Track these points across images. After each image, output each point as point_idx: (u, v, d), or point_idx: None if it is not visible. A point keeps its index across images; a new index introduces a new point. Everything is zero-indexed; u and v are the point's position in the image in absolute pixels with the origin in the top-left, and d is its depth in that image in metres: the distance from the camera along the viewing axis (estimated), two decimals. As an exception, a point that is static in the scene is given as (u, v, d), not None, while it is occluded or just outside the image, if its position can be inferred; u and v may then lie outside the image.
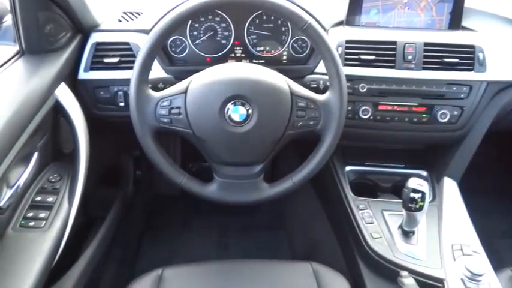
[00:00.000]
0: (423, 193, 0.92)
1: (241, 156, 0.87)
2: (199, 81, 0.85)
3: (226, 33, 1.10)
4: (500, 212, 1.66)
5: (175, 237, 1.60)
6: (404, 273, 0.87)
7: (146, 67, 0.84)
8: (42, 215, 0.88)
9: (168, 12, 0.87)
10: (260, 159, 0.89)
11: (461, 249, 0.96)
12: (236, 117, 0.83)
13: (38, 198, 0.92)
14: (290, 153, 1.42)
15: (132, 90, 0.83)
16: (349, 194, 1.13)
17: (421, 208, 0.94)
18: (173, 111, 0.84)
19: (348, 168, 1.22)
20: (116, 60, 1.04)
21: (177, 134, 0.88)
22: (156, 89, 0.96)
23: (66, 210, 0.91)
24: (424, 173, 1.22)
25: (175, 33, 1.08)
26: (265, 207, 1.68)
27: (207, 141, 0.86)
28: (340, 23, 1.14)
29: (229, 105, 0.83)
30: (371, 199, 1.12)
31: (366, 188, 1.19)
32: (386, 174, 1.22)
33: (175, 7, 0.85)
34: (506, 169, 1.87)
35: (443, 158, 1.19)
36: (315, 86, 1.04)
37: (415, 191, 0.92)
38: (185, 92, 0.85)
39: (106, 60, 1.04)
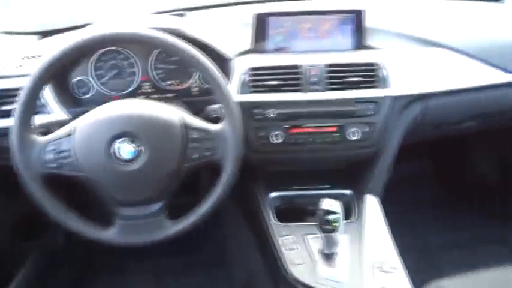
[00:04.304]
0: (335, 213, 0.91)
1: (136, 195, 0.85)
2: (85, 122, 0.82)
3: (132, 70, 1.08)
4: (441, 224, 1.67)
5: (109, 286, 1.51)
6: None
7: (27, 111, 0.81)
8: None
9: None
10: (159, 196, 0.86)
11: (381, 267, 0.95)
12: (125, 155, 0.81)
13: None
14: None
15: (13, 136, 0.80)
16: (272, 221, 1.11)
17: (336, 229, 0.93)
18: (61, 154, 0.81)
19: (272, 194, 1.20)
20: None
21: (71, 179, 0.84)
22: None
23: None
24: (348, 192, 1.21)
25: (79, 73, 1.06)
26: (204, 243, 1.63)
27: (100, 183, 0.83)
28: (248, 51, 1.15)
29: (117, 143, 0.81)
30: (294, 224, 1.10)
31: (293, 213, 1.17)
32: (312, 196, 1.21)
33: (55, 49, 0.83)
34: (444, 180, 1.91)
35: (363, 175, 1.19)
36: (215, 116, 1.04)
37: (327, 212, 0.91)
38: (72, 133, 0.82)
39: (4, 108, 1.01)
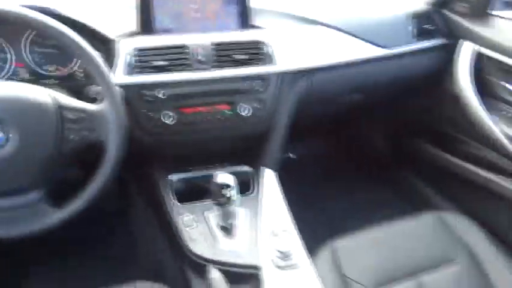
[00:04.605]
0: (229, 186, 0.93)
1: (9, 184, 0.79)
2: None
3: (3, 56, 1.00)
4: (339, 194, 1.78)
5: None
6: (211, 268, 0.86)
7: None
8: None
9: None
10: (37, 183, 0.81)
11: (276, 234, 0.99)
12: None
13: None
14: None
15: None
16: (172, 203, 1.11)
17: (230, 201, 0.95)
18: None
19: (171, 176, 1.19)
20: None
21: None
22: None
23: None
24: (248, 168, 1.24)
25: None
26: (110, 238, 1.56)
27: None
28: (134, 33, 1.12)
29: None
30: (194, 203, 1.11)
31: (193, 193, 1.18)
32: (210, 176, 1.22)
33: None
34: (343, 154, 2.04)
35: (258, 151, 1.23)
36: (96, 97, 1.00)
37: (221, 186, 0.93)
38: None
39: None
